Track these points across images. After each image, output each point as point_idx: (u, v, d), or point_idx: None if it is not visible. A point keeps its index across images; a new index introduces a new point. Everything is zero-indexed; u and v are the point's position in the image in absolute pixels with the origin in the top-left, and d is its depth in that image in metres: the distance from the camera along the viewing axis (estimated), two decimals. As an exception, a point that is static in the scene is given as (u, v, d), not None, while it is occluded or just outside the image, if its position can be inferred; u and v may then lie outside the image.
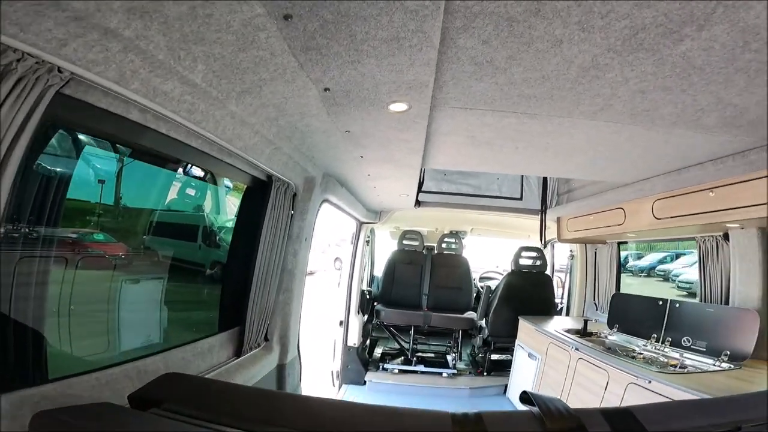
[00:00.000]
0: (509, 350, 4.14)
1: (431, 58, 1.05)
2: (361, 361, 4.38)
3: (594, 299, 4.10)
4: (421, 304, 4.98)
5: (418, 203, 4.01)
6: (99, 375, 1.12)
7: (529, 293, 4.32)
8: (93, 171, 1.70)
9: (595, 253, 4.12)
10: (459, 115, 1.57)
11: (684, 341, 2.51)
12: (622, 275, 4.02)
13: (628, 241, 3.79)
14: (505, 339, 4.22)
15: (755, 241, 2.24)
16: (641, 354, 2.67)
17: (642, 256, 10.13)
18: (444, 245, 5.27)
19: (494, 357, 4.44)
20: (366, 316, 4.81)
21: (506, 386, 4.10)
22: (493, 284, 5.20)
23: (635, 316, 3.03)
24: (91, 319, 1.65)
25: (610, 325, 3.26)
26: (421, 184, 3.94)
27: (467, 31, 0.94)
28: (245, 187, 2.07)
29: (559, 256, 5.19)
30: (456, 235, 5.40)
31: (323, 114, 1.52)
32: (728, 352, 2.19)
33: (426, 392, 4.13)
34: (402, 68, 1.12)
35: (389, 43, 0.99)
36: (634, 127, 1.54)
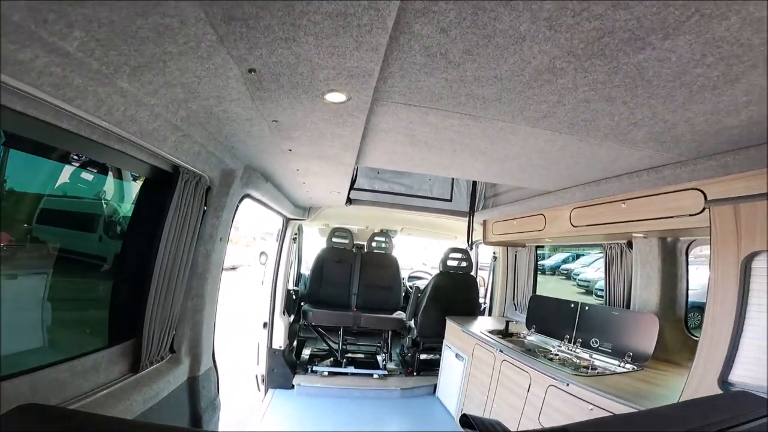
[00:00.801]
0: (438, 350, 4.21)
1: (380, 43, 0.91)
2: (288, 364, 4.15)
3: (513, 300, 4.34)
4: (351, 304, 4.88)
5: (349, 201, 3.86)
6: None
7: (456, 294, 4.43)
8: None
9: (515, 255, 4.35)
10: (401, 112, 1.44)
11: (593, 342, 2.71)
12: (534, 274, 4.31)
13: (545, 245, 4.06)
14: (433, 339, 4.28)
15: (656, 249, 2.48)
16: (557, 355, 2.83)
17: (550, 256, 11.23)
18: (374, 244, 5.21)
19: (423, 357, 4.48)
20: (292, 317, 4.59)
21: (435, 386, 4.15)
22: (421, 284, 5.26)
23: (550, 318, 3.22)
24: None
25: (528, 325, 3.44)
26: (353, 181, 3.79)
27: (426, 15, 0.82)
28: (144, 178, 1.77)
29: (484, 256, 5.45)
30: (386, 234, 5.37)
31: (246, 99, 1.31)
32: (631, 354, 2.39)
33: (357, 394, 4.04)
34: (345, 52, 0.96)
35: (334, 20, 0.82)
36: (570, 137, 1.55)
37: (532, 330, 3.37)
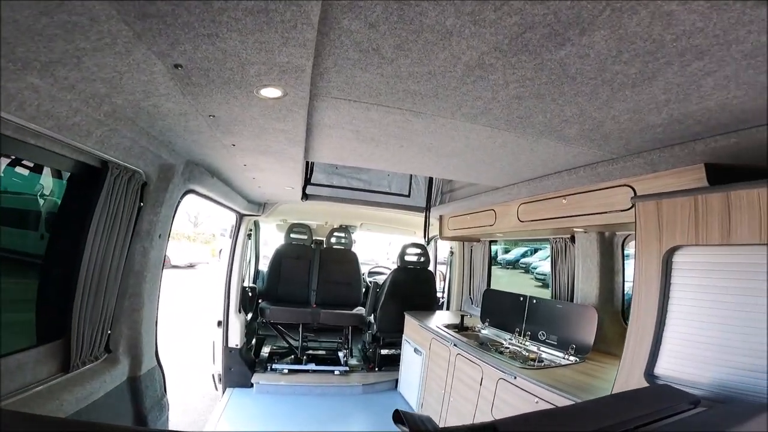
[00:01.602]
0: (398, 345, 4.23)
1: (308, 38, 0.90)
2: (246, 363, 4.05)
3: (469, 294, 4.44)
4: (310, 301, 4.82)
5: (305, 196, 3.78)
6: None
7: (414, 289, 4.47)
8: None
9: (471, 250, 4.46)
10: (343, 107, 1.42)
11: (540, 335, 2.82)
12: (494, 268, 4.43)
13: (498, 240, 4.18)
14: (393, 334, 4.30)
15: (595, 244, 2.61)
16: (508, 348, 2.92)
17: (509, 250, 11.65)
18: (334, 240, 5.16)
19: (384, 352, 4.50)
20: (250, 315, 4.46)
21: (397, 381, 4.18)
22: (381, 279, 5.27)
23: (502, 311, 3.32)
24: None
25: (483, 319, 3.54)
26: (309, 176, 3.72)
27: (353, 10, 0.82)
28: (68, 175, 1.69)
29: (442, 251, 5.54)
30: (346, 229, 5.33)
31: (177, 94, 1.28)
32: (574, 346, 2.50)
33: (318, 391, 4.00)
34: (273, 48, 0.96)
35: (256, 16, 0.82)
36: (508, 133, 1.58)
37: (486, 324, 3.47)
